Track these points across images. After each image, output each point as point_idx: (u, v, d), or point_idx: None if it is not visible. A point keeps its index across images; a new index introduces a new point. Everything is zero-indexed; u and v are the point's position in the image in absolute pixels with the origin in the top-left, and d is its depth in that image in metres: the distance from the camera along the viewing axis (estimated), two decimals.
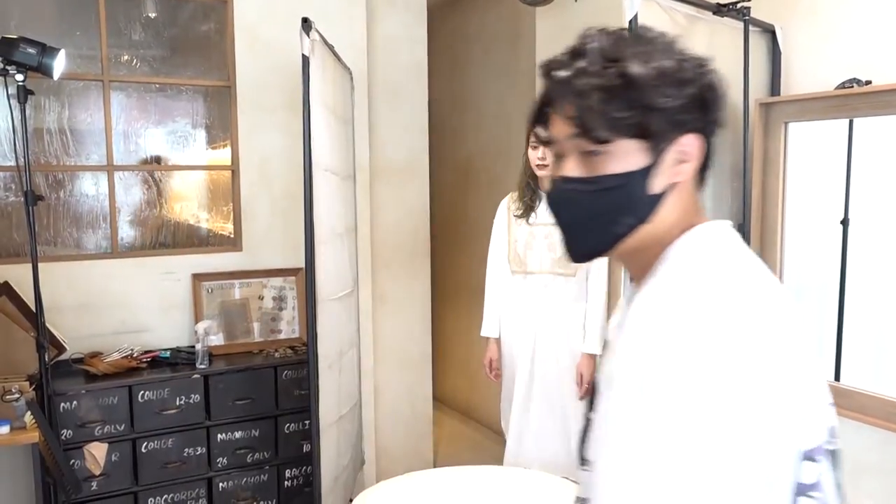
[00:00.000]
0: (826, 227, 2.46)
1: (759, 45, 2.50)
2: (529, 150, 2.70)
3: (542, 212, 2.77)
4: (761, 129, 2.47)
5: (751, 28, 2.40)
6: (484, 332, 2.97)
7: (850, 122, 2.31)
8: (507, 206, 2.90)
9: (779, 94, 2.51)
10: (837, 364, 2.38)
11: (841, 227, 2.37)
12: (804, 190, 2.47)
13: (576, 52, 0.85)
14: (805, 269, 2.53)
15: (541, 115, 0.90)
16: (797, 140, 2.44)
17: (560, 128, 0.86)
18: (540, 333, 2.79)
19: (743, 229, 2.48)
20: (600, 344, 2.69)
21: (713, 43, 2.40)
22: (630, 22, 2.02)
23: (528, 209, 2.78)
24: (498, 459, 3.80)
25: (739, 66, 2.38)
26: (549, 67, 0.87)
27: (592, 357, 2.73)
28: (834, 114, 2.31)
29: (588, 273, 2.75)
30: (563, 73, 0.85)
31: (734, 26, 2.39)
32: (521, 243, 2.81)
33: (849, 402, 2.24)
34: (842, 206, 2.37)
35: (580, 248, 0.90)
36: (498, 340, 2.96)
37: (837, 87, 2.28)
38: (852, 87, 2.24)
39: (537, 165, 2.66)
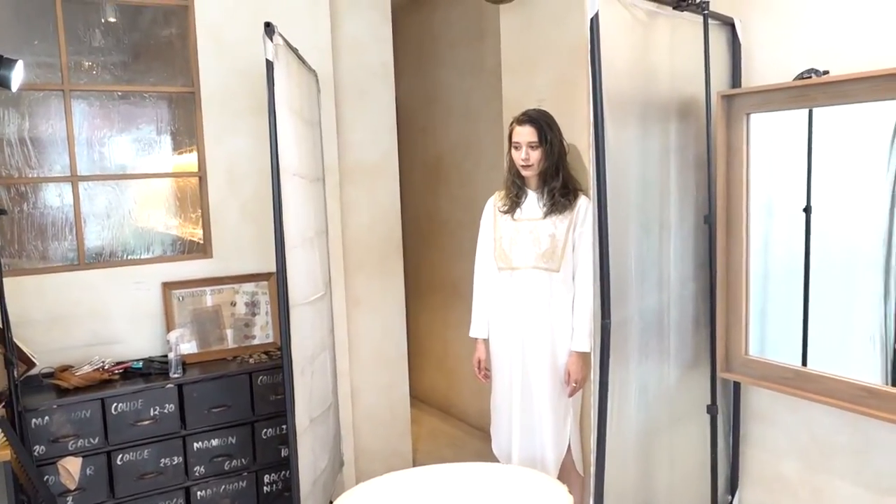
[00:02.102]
0: (789, 215, 2.50)
1: (718, 38, 2.54)
2: (512, 151, 2.78)
3: (527, 207, 2.83)
4: (724, 120, 2.51)
5: (710, 21, 2.43)
6: (472, 334, 2.99)
7: (810, 112, 2.35)
8: (494, 203, 2.95)
9: (740, 86, 2.55)
10: (804, 349, 2.43)
11: (804, 214, 2.42)
12: (767, 179, 2.51)
13: None
14: (770, 256, 2.58)
15: None
16: (759, 130, 2.47)
17: None
18: (527, 331, 2.81)
19: (709, 219, 2.52)
20: (589, 341, 2.70)
21: (674, 37, 2.43)
22: (591, 19, 2.04)
23: (513, 205, 2.84)
24: (478, 455, 3.82)
25: (700, 60, 2.41)
26: None
27: (581, 355, 2.75)
28: (793, 104, 2.35)
29: (574, 270, 2.78)
30: None
31: (694, 20, 2.42)
32: (507, 239, 2.85)
33: (816, 387, 2.29)
34: (804, 194, 2.42)
35: None
36: (486, 341, 2.98)
37: (796, 78, 2.32)
38: (810, 77, 2.28)
39: (521, 165, 2.77)
